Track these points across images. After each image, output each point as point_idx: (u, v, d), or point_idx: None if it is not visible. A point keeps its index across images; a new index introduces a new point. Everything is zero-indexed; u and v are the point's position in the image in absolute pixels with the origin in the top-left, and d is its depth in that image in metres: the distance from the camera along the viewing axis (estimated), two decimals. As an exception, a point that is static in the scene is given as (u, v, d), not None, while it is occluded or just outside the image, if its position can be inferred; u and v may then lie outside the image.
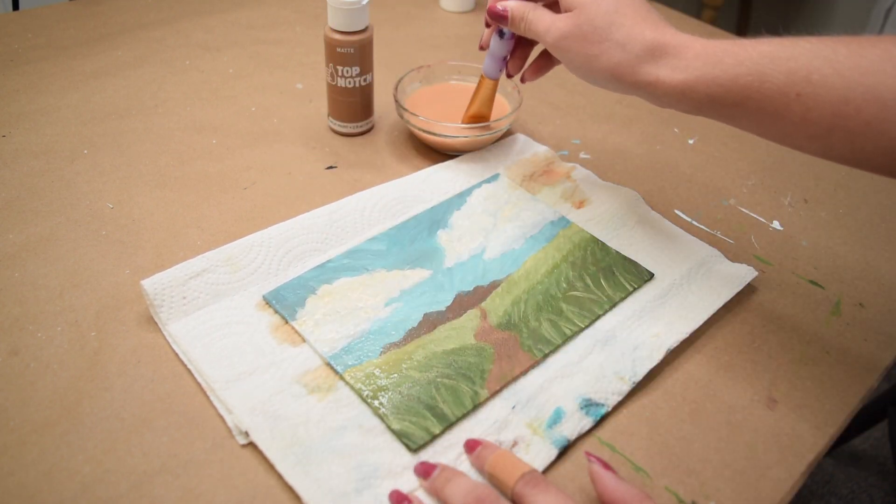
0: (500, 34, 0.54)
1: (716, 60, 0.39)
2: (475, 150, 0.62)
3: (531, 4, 0.48)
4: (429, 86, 0.66)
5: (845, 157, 0.38)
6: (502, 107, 0.65)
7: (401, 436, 0.39)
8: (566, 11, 0.45)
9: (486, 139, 0.61)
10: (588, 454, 0.38)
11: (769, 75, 0.38)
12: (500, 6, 0.50)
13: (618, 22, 0.42)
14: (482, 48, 0.55)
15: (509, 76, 0.56)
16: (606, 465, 0.36)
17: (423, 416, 0.41)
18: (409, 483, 0.38)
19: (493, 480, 0.37)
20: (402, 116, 0.61)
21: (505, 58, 0.55)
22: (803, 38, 0.38)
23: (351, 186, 0.58)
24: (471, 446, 0.39)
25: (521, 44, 0.54)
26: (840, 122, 0.36)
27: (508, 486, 0.36)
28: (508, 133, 0.65)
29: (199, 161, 0.61)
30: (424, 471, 0.37)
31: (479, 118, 0.60)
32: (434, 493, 0.36)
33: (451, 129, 0.60)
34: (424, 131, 0.60)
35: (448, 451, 0.39)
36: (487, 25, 0.54)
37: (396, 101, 0.61)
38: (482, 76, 0.58)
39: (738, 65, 0.39)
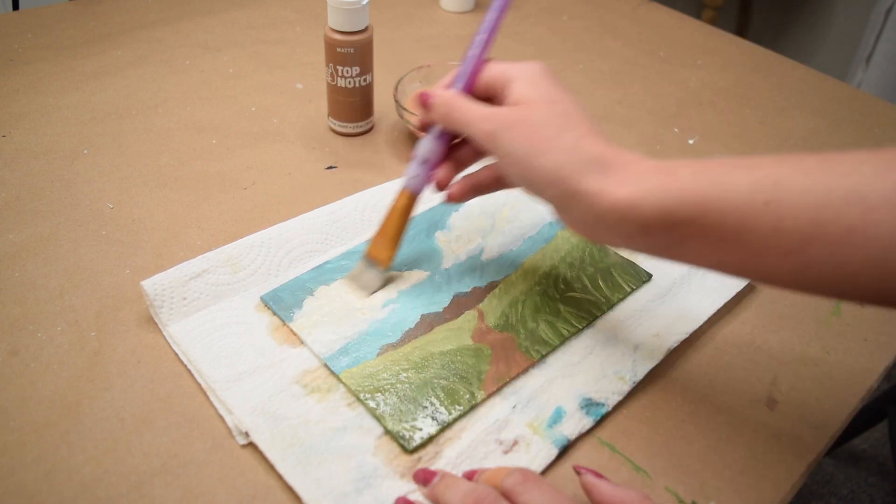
0: (431, 131, 0.45)
1: (669, 171, 0.35)
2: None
3: (463, 95, 0.42)
4: (429, 86, 0.66)
5: (824, 275, 0.31)
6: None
7: (397, 437, 0.39)
8: (510, 106, 0.40)
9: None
10: (577, 468, 0.36)
11: (732, 184, 0.33)
12: (426, 91, 0.43)
13: (570, 126, 0.38)
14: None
15: (440, 188, 0.45)
16: (598, 474, 0.36)
17: (419, 417, 0.41)
18: (408, 483, 0.38)
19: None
20: (401, 116, 0.61)
21: (434, 165, 0.45)
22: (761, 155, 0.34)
23: (351, 186, 0.58)
24: (426, 477, 0.37)
25: (457, 152, 0.45)
26: (818, 231, 0.30)
27: (498, 486, 0.35)
28: (508, 133, 0.65)
29: (199, 161, 0.61)
30: (424, 478, 0.37)
31: (388, 246, 0.47)
32: (434, 499, 0.36)
33: None
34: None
35: (445, 452, 0.39)
36: (421, 129, 0.46)
37: (396, 101, 0.61)
38: (402, 192, 0.46)
39: (695, 174, 0.34)
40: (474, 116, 0.40)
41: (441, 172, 0.45)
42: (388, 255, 0.47)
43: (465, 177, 0.45)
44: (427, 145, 0.44)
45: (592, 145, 0.37)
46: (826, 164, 0.31)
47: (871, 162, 0.31)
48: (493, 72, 0.42)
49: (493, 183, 0.45)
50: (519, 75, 0.40)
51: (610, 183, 0.35)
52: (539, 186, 0.38)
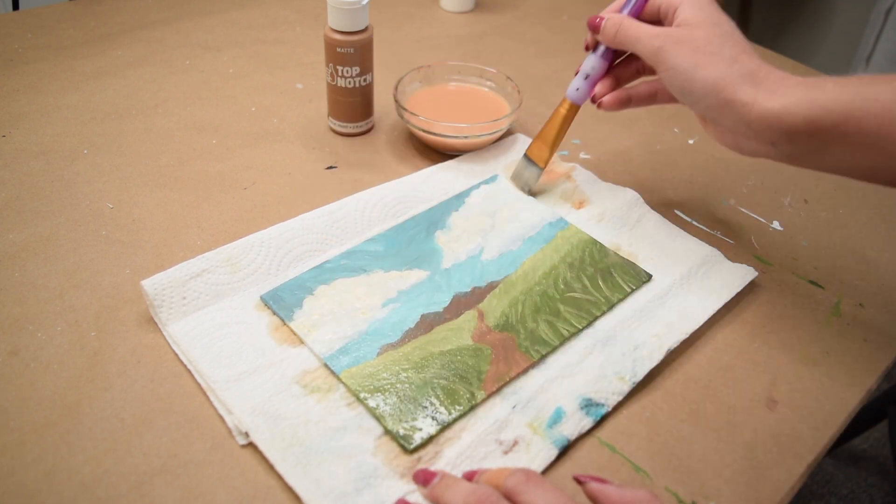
0: (603, 53, 0.51)
1: (817, 85, 0.40)
2: (475, 151, 0.62)
3: (630, 17, 0.48)
4: (429, 86, 0.66)
5: None
6: (502, 107, 0.65)
7: (397, 437, 0.39)
8: (676, 26, 0.46)
9: (486, 140, 0.61)
10: (577, 478, 0.36)
11: (874, 93, 0.37)
12: (596, 16, 0.49)
13: (730, 44, 0.43)
14: (587, 48, 0.53)
15: (594, 101, 0.52)
16: (600, 479, 0.36)
17: (419, 417, 0.41)
18: (408, 484, 0.38)
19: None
20: (402, 116, 0.61)
21: (595, 81, 0.52)
22: None
23: (351, 186, 0.58)
24: (426, 478, 0.37)
25: (618, 70, 0.52)
26: None
27: (500, 486, 0.35)
28: (508, 133, 0.65)
29: (199, 161, 0.61)
30: (424, 479, 0.37)
31: (546, 148, 0.55)
32: (434, 500, 0.36)
33: (451, 129, 0.60)
34: (424, 131, 0.60)
35: (445, 452, 0.39)
36: (587, 49, 0.52)
37: (396, 101, 0.61)
38: (563, 101, 0.54)
39: (841, 87, 0.39)
40: (643, 33, 0.46)
41: (600, 87, 0.51)
42: (547, 155, 0.55)
43: (620, 89, 0.51)
44: (591, 62, 0.51)
45: (748, 61, 0.42)
46: None
47: None
48: None
49: (647, 97, 0.51)
50: (685, 0, 0.45)
51: (762, 94, 0.41)
52: (698, 96, 0.44)
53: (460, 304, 0.48)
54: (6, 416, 0.40)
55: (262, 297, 0.47)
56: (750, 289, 0.52)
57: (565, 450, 0.40)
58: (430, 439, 0.40)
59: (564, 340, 0.46)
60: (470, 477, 0.37)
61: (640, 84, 0.52)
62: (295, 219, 0.52)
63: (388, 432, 0.40)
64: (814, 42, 1.84)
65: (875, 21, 1.48)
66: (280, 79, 0.73)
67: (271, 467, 0.38)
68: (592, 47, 0.51)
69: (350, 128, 0.64)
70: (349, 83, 0.61)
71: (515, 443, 0.40)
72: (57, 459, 0.38)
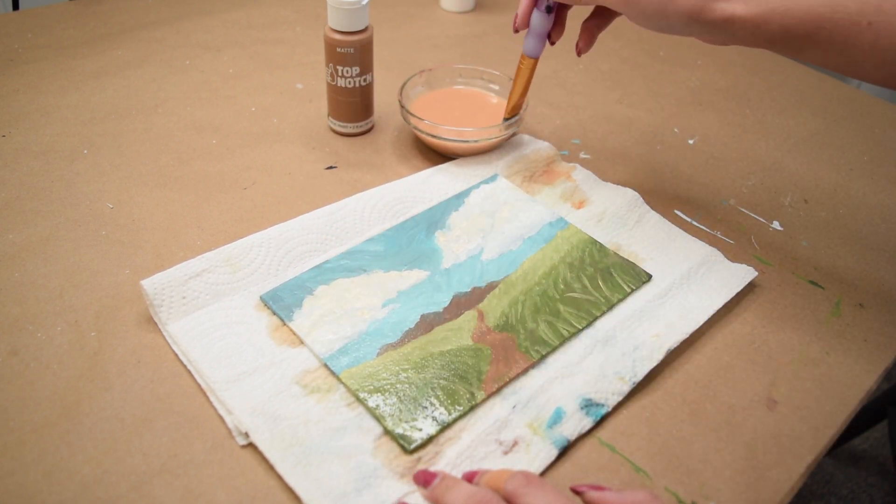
0: (547, 9, 0.53)
1: None
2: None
3: None
4: (432, 90, 0.66)
5: None
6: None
7: (397, 437, 0.39)
8: None
9: (493, 143, 0.61)
10: (574, 488, 0.36)
11: (842, 4, 0.40)
12: None
13: None
14: (518, 29, 0.55)
15: (553, 44, 0.56)
16: (598, 487, 0.35)
17: (419, 417, 0.41)
18: (408, 484, 0.38)
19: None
20: (407, 121, 0.61)
21: (547, 33, 0.55)
22: None
23: (351, 186, 0.58)
24: (426, 479, 0.37)
25: (558, 13, 0.55)
26: None
27: (500, 489, 0.35)
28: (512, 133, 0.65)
29: (199, 161, 0.61)
30: (425, 480, 0.37)
31: (519, 106, 0.60)
32: (434, 501, 0.36)
33: (457, 134, 0.59)
34: (431, 136, 0.60)
35: (445, 452, 0.39)
36: (516, 30, 0.55)
37: (402, 105, 0.60)
38: (522, 58, 0.57)
39: None
40: None
41: (555, 32, 0.54)
42: (514, 106, 0.60)
43: (584, 31, 0.54)
44: (536, 19, 0.53)
45: None
46: None
47: None
48: None
49: (607, 19, 0.53)
50: None
51: (738, 6, 0.43)
52: (678, 28, 0.45)
53: (460, 304, 0.48)
54: (6, 416, 0.40)
55: (261, 297, 0.47)
56: (750, 289, 0.52)
57: (565, 450, 0.40)
58: (430, 439, 0.40)
59: (564, 340, 0.46)
60: (470, 478, 0.37)
61: (591, 16, 0.53)
62: (295, 219, 0.52)
63: (387, 432, 0.40)
64: (814, 42, 1.83)
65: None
66: (280, 79, 0.73)
67: (271, 467, 0.38)
68: (539, 6, 0.53)
69: (350, 128, 0.64)
70: (349, 83, 0.61)
71: (515, 443, 0.40)
72: (57, 459, 0.38)
